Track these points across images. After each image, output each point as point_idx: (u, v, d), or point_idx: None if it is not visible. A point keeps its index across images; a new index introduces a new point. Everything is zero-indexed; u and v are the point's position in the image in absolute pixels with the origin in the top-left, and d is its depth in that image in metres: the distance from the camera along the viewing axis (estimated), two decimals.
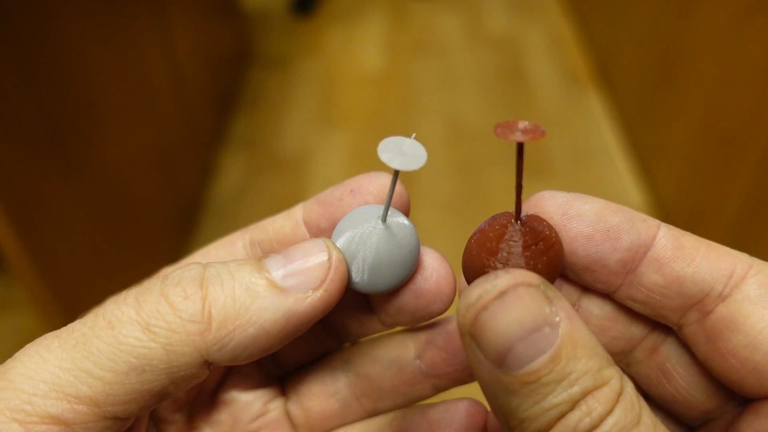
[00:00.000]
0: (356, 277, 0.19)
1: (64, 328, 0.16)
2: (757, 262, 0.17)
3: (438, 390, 0.22)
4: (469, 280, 0.18)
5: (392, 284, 0.19)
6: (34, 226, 0.64)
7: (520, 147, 0.16)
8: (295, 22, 1.66)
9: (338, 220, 0.19)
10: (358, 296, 0.21)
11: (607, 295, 0.19)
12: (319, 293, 0.17)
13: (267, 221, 0.21)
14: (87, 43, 0.76)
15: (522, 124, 0.16)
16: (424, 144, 0.18)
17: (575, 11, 1.55)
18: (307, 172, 1.22)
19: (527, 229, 0.17)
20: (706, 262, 0.17)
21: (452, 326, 0.21)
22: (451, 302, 0.20)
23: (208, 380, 0.22)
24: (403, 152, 0.17)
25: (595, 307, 0.19)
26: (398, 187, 0.19)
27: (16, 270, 0.64)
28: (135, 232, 0.89)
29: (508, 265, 0.17)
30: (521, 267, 0.17)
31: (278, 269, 0.17)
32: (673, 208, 1.00)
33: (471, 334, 0.15)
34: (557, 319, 0.14)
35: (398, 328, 0.22)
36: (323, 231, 0.20)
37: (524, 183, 0.17)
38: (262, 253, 0.21)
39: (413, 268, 0.19)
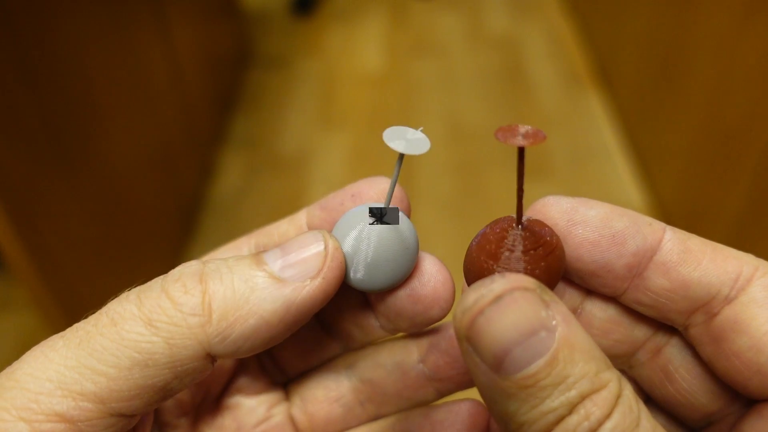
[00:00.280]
0: (354, 274, 0.19)
1: (68, 329, 0.17)
2: (763, 264, 0.17)
3: (441, 394, 0.22)
4: (471, 283, 0.18)
5: (390, 281, 0.19)
6: (34, 226, 0.64)
7: (521, 151, 0.16)
8: (295, 22, 1.65)
9: None
10: (360, 301, 0.21)
11: (611, 298, 0.19)
12: (317, 281, 0.17)
13: (272, 226, 0.21)
14: (87, 43, 0.76)
15: (523, 129, 0.16)
16: None
17: (575, 11, 1.55)
18: (307, 172, 1.22)
19: (528, 233, 0.17)
20: (713, 265, 0.17)
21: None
22: (449, 307, 0.20)
23: (213, 385, 0.22)
24: (407, 139, 0.18)
25: (599, 310, 0.19)
26: (397, 190, 0.20)
27: (16, 270, 0.64)
28: (135, 232, 0.89)
29: (507, 269, 0.17)
30: (520, 271, 0.17)
31: (276, 261, 0.17)
32: (673, 208, 1.00)
33: (468, 339, 0.15)
34: (554, 322, 0.14)
35: (401, 333, 0.22)
36: None
37: (524, 183, 0.17)
38: None
39: (411, 266, 0.19)
